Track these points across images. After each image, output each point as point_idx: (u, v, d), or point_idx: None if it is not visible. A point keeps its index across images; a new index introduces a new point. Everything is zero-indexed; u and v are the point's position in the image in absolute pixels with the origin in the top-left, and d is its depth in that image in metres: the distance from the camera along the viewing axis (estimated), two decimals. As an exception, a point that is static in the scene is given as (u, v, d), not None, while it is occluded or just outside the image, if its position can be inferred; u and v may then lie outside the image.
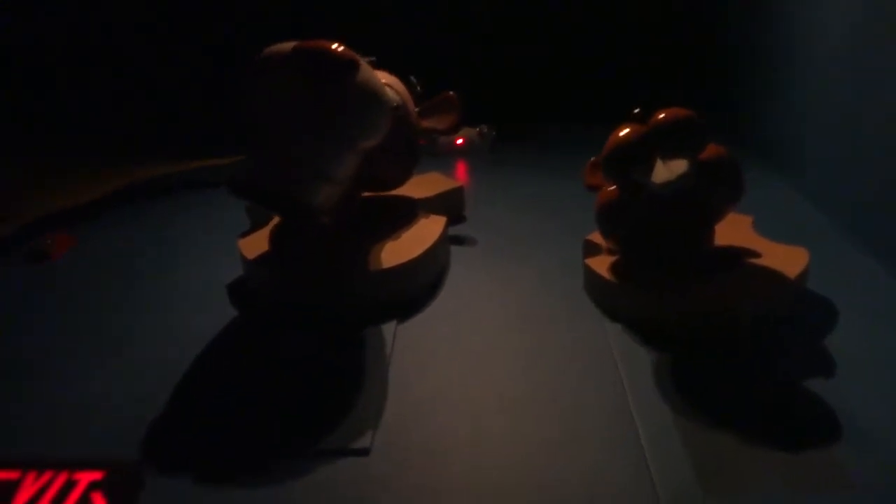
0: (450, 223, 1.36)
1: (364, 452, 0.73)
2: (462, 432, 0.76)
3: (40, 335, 1.03)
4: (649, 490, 0.66)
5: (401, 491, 0.68)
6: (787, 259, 0.98)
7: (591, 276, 1.04)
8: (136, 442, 0.76)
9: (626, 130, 0.94)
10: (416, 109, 1.23)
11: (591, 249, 1.11)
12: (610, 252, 1.07)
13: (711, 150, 0.93)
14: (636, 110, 0.95)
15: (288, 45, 0.92)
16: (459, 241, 1.28)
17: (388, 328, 0.97)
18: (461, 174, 1.71)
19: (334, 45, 0.90)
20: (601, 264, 1.03)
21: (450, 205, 1.37)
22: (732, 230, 1.08)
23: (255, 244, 1.12)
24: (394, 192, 1.29)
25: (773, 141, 1.57)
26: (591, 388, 0.82)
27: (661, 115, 0.92)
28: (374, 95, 0.93)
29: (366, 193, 1.26)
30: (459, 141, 1.81)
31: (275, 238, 1.14)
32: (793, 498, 0.64)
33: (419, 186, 1.36)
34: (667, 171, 0.90)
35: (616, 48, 2.11)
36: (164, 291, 1.14)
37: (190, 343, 0.96)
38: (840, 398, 0.76)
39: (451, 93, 1.28)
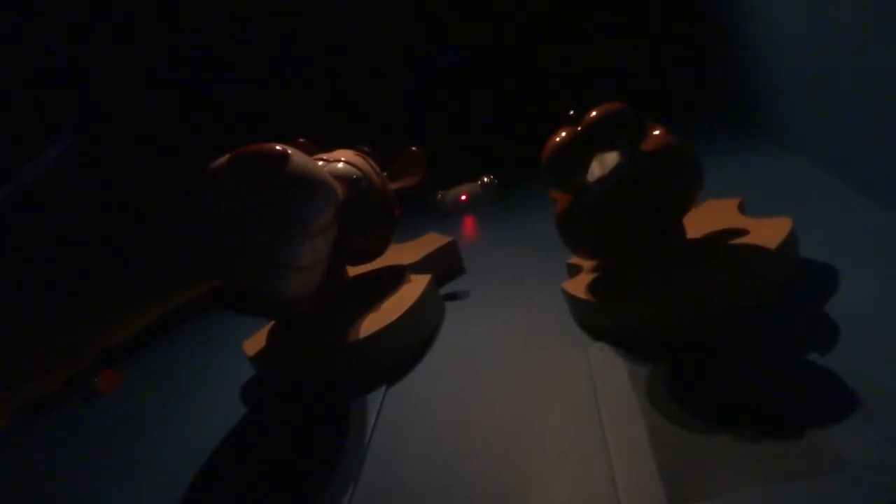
0: (449, 278, 1.37)
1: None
2: (442, 486, 0.74)
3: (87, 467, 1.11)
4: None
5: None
6: (769, 232, 0.90)
7: (569, 301, 1.00)
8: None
9: (560, 135, 0.90)
10: (385, 174, 1.25)
11: (573, 272, 1.08)
12: (589, 270, 1.03)
13: (655, 139, 0.88)
14: (570, 112, 0.91)
15: (225, 157, 0.98)
16: (454, 296, 1.26)
17: (378, 393, 0.97)
18: (468, 228, 1.71)
19: (264, 144, 0.95)
20: (574, 285, 0.99)
21: (445, 261, 1.38)
22: (715, 217, 1.02)
23: (258, 342, 1.18)
24: (385, 262, 1.30)
25: (765, 114, 1.48)
26: (573, 442, 0.78)
27: (591, 113, 0.88)
28: (309, 179, 0.97)
29: (354, 270, 1.29)
30: (463, 197, 1.82)
31: (271, 332, 1.18)
32: (775, 489, 0.57)
33: (413, 250, 1.37)
34: (600, 167, 0.87)
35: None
36: (199, 406, 1.21)
37: (204, 446, 1.01)
38: (840, 368, 0.68)
39: (414, 148, 1.29)
